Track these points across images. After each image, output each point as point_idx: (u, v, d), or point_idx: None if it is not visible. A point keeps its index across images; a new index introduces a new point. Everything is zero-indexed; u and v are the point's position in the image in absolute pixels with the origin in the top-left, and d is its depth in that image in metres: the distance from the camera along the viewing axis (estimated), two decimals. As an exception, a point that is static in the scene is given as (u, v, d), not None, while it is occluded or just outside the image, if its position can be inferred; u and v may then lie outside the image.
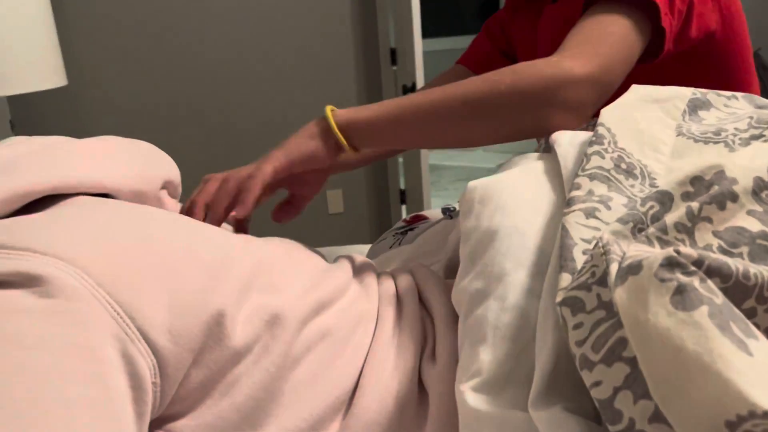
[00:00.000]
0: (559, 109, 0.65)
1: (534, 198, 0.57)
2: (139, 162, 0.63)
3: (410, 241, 0.96)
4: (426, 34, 5.46)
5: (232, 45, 2.44)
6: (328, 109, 0.72)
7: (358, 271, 0.68)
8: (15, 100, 2.33)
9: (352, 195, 2.71)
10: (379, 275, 0.68)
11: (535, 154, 0.66)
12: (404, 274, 0.69)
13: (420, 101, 0.69)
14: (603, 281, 0.38)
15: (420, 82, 2.21)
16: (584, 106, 0.66)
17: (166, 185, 0.67)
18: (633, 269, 0.35)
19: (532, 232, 0.53)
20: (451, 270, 0.76)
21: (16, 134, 2.33)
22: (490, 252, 0.53)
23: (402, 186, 2.75)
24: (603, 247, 0.39)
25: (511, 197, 0.56)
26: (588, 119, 0.69)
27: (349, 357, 0.56)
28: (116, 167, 0.59)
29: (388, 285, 0.65)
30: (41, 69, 1.39)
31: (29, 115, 2.35)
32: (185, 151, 2.49)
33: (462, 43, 5.60)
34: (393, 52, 2.56)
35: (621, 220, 0.42)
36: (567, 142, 0.60)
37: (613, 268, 0.37)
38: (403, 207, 2.78)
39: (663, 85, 0.65)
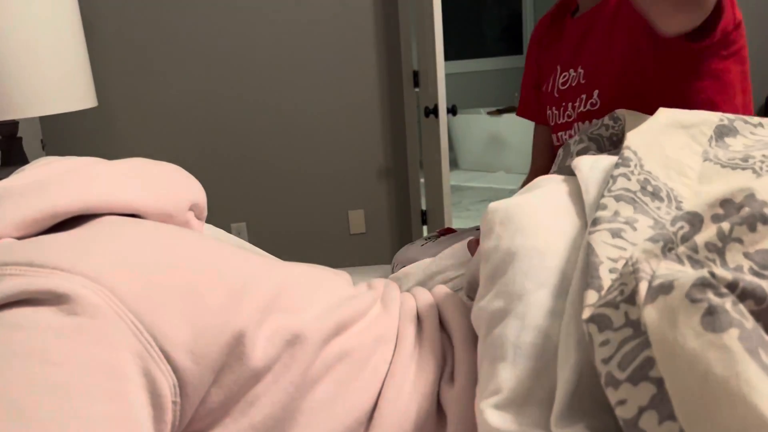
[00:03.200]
0: None
1: (555, 220, 0.57)
2: (167, 184, 0.65)
3: (443, 244, 0.96)
4: (449, 56, 5.51)
5: (260, 68, 2.48)
6: None
7: (380, 291, 0.68)
8: (46, 120, 2.38)
9: (374, 215, 2.72)
10: (400, 295, 0.68)
11: (558, 177, 0.66)
12: (425, 294, 0.69)
13: None
14: (631, 299, 0.38)
15: (442, 104, 2.22)
16: None
17: (193, 207, 0.68)
18: (664, 288, 0.35)
19: (552, 253, 0.53)
20: (471, 290, 0.75)
21: (47, 152, 2.39)
22: (510, 272, 0.53)
23: (423, 207, 2.75)
24: (632, 265, 0.38)
25: (532, 219, 0.57)
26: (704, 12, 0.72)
27: (368, 378, 0.56)
28: (145, 189, 0.60)
29: (409, 305, 0.65)
30: (73, 91, 1.43)
31: (60, 134, 2.41)
32: (211, 170, 2.53)
33: (484, 65, 5.63)
34: (415, 74, 2.58)
35: (651, 239, 0.41)
36: (588, 167, 0.60)
37: (643, 287, 0.37)
38: (425, 228, 2.78)
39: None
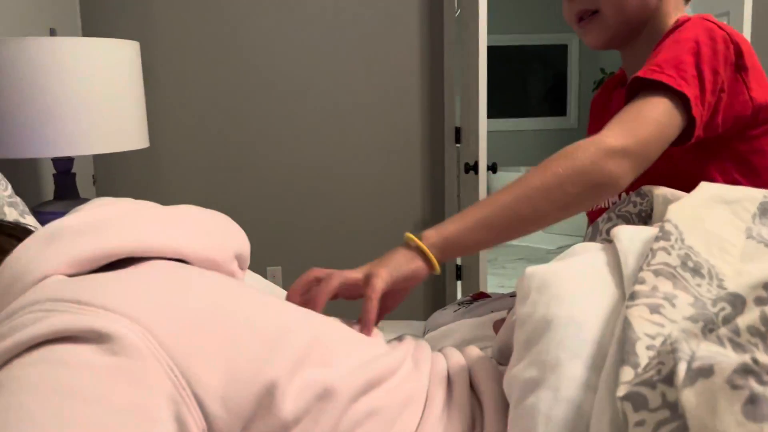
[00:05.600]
0: (606, 178, 0.76)
1: (592, 290, 0.56)
2: (215, 233, 0.67)
3: (475, 311, 0.95)
4: (492, 114, 5.56)
5: (305, 120, 2.55)
6: (413, 237, 0.76)
7: (411, 350, 0.67)
8: (99, 157, 2.48)
9: (408, 268, 2.71)
10: (431, 355, 0.68)
11: (597, 245, 0.65)
12: (456, 355, 0.68)
13: (497, 207, 0.76)
14: (669, 380, 0.37)
15: (482, 161, 2.24)
16: (622, 176, 0.76)
17: (237, 257, 0.70)
18: (704, 372, 0.34)
19: (589, 324, 0.52)
20: (502, 354, 0.74)
21: (98, 188, 2.48)
22: (545, 341, 0.53)
23: (458, 262, 2.73)
24: (671, 344, 0.38)
25: (569, 287, 0.56)
26: (622, 189, 0.78)
27: None
28: (193, 236, 0.62)
29: (440, 366, 0.65)
30: (128, 132, 1.49)
31: (111, 171, 2.50)
32: (251, 214, 2.58)
33: (527, 125, 5.66)
34: (457, 131, 2.62)
35: (691, 318, 0.40)
36: (628, 238, 0.60)
37: (681, 368, 0.36)
38: (459, 283, 2.75)
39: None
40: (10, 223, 0.68)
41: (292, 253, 2.64)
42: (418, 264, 0.74)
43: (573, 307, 0.54)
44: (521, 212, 0.75)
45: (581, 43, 5.55)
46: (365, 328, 0.69)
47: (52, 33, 1.55)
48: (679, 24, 0.90)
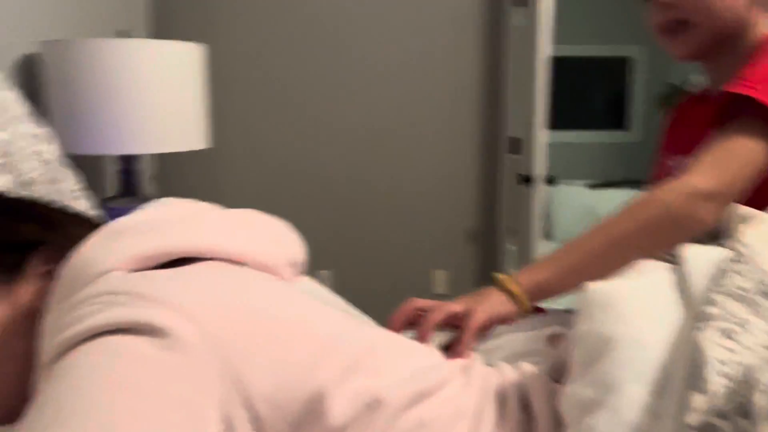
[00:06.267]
0: (696, 224, 0.75)
1: (657, 310, 0.54)
2: (272, 239, 0.68)
3: (529, 324, 0.93)
4: (551, 125, 5.46)
5: (362, 125, 2.57)
6: (507, 280, 0.78)
7: (463, 363, 0.66)
8: (160, 156, 2.56)
9: (458, 277, 2.68)
10: (483, 369, 0.66)
11: (664, 264, 0.63)
12: (510, 371, 0.66)
13: (586, 254, 0.78)
14: (745, 412, 0.34)
15: (538, 172, 2.20)
16: (712, 220, 0.75)
17: (292, 265, 0.71)
18: (784, 407, 0.31)
19: (653, 345, 0.50)
20: (557, 371, 0.72)
21: (158, 186, 2.56)
22: (606, 360, 0.51)
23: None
24: (746, 374, 0.35)
25: (632, 306, 0.54)
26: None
27: None
28: (251, 241, 0.64)
29: (492, 381, 0.63)
30: (190, 132, 1.53)
31: (171, 169, 2.58)
32: (305, 216, 2.61)
33: (587, 137, 5.55)
34: (513, 141, 2.58)
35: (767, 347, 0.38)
36: (695, 258, 0.57)
37: (760, 400, 0.33)
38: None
39: None
40: (87, 215, 0.71)
41: (344, 258, 2.66)
42: (510, 308, 0.77)
43: (636, 327, 0.52)
44: (610, 260, 0.76)
45: (647, 56, 5.40)
46: (456, 356, 0.70)
47: (120, 35, 1.61)
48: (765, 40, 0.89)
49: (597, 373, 0.51)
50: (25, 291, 0.59)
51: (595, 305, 0.56)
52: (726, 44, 0.95)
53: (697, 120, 1.02)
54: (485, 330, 0.78)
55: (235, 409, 0.45)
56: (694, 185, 0.76)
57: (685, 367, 0.44)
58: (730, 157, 0.78)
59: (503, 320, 0.77)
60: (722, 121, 0.85)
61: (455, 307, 0.76)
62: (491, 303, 0.77)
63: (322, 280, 2.66)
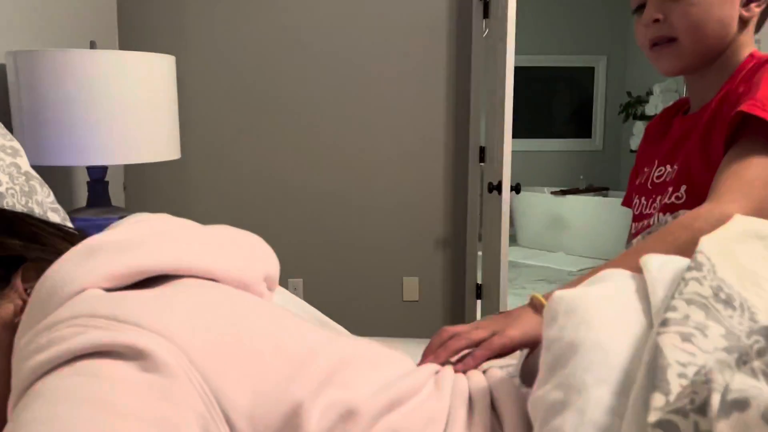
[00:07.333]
0: None
1: (620, 316, 0.56)
2: (247, 254, 0.68)
3: None
4: (517, 134, 5.55)
5: (330, 134, 2.58)
6: (542, 300, 0.79)
7: (434, 370, 0.68)
8: (130, 166, 2.53)
9: (428, 284, 2.71)
10: (453, 375, 0.68)
11: (626, 272, 0.66)
12: (478, 376, 0.68)
13: None
14: (702, 410, 0.37)
15: (506, 181, 2.24)
16: None
17: (266, 279, 0.71)
18: (738, 404, 0.34)
19: (616, 350, 0.53)
20: (525, 377, 0.74)
21: (128, 196, 2.52)
22: (572, 364, 0.53)
23: (479, 280, 2.73)
24: (705, 374, 0.38)
25: (597, 312, 0.56)
26: None
27: None
28: (226, 257, 0.64)
29: (462, 386, 0.65)
30: (160, 143, 1.52)
31: (141, 180, 2.55)
32: (275, 226, 2.61)
33: (552, 145, 5.65)
34: (482, 150, 2.62)
35: (725, 350, 0.41)
36: (657, 267, 0.60)
37: (715, 399, 0.36)
38: (479, 302, 2.74)
39: None
40: (70, 228, 0.70)
41: (315, 266, 2.66)
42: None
43: (600, 332, 0.54)
44: None
45: (608, 66, 5.53)
46: (462, 367, 0.71)
47: (93, 46, 1.59)
48: (763, 61, 0.93)
49: (564, 376, 0.53)
50: (6, 308, 0.58)
51: (560, 312, 0.58)
52: (713, 61, 0.98)
53: (681, 131, 1.06)
54: (507, 352, 0.77)
55: (214, 425, 0.46)
56: (721, 212, 0.78)
57: (647, 369, 0.46)
58: (752, 181, 0.82)
59: (538, 343, 0.75)
60: (734, 139, 0.88)
61: (480, 333, 0.76)
62: (528, 324, 0.77)
63: (293, 289, 2.66)
